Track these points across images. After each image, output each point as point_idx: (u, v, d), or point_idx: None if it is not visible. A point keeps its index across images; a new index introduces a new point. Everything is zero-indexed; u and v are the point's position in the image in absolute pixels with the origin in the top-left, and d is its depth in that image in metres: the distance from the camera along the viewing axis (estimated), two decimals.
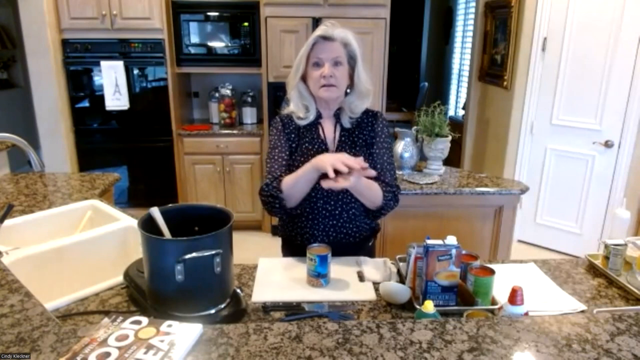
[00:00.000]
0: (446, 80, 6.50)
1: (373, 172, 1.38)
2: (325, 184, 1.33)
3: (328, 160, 1.33)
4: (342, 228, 1.58)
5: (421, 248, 1.25)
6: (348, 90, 1.56)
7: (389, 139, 1.63)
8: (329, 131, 1.59)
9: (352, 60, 1.53)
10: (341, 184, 1.31)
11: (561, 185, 3.57)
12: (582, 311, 1.27)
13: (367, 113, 1.62)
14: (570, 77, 3.36)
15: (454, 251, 1.21)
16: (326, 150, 1.56)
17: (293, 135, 1.59)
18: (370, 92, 1.58)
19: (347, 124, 1.59)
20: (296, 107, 1.58)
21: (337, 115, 1.60)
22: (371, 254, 1.71)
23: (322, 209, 1.56)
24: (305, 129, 1.59)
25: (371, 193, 1.50)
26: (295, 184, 1.46)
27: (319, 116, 1.60)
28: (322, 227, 1.57)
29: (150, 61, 3.66)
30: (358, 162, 1.32)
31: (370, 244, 1.72)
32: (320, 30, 1.50)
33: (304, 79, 1.55)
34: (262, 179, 1.48)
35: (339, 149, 1.56)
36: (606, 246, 1.48)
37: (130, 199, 3.97)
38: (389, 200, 1.55)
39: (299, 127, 1.59)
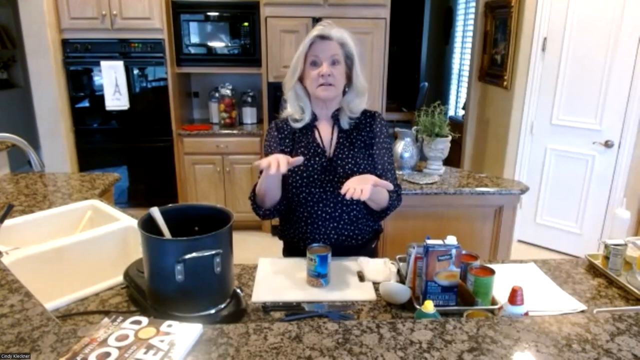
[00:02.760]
0: (446, 80, 6.49)
1: (390, 186, 1.38)
2: (348, 194, 1.29)
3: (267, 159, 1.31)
4: (343, 230, 1.57)
5: (421, 248, 1.25)
6: (346, 89, 1.56)
7: (389, 139, 1.62)
8: (325, 134, 1.57)
9: (348, 60, 1.53)
10: (363, 195, 1.28)
11: (561, 185, 3.57)
12: (582, 311, 1.26)
13: (365, 114, 1.61)
14: (570, 77, 3.36)
15: (454, 251, 1.21)
16: (323, 153, 1.55)
17: (287, 140, 1.58)
18: (366, 89, 1.58)
19: (345, 125, 1.58)
20: (292, 109, 1.57)
21: (335, 117, 1.59)
22: (374, 255, 1.69)
23: (322, 212, 1.55)
24: (300, 133, 1.58)
25: (379, 196, 1.49)
26: (259, 190, 1.51)
27: (314, 118, 1.58)
28: (323, 230, 1.56)
29: (150, 61, 3.66)
30: (367, 178, 1.33)
31: (373, 245, 1.71)
32: (317, 30, 1.49)
33: (301, 79, 1.54)
34: None
35: (337, 151, 1.55)
36: (606, 246, 1.48)
37: (130, 199, 3.97)
38: (393, 200, 1.55)
39: (295, 131, 1.58)
